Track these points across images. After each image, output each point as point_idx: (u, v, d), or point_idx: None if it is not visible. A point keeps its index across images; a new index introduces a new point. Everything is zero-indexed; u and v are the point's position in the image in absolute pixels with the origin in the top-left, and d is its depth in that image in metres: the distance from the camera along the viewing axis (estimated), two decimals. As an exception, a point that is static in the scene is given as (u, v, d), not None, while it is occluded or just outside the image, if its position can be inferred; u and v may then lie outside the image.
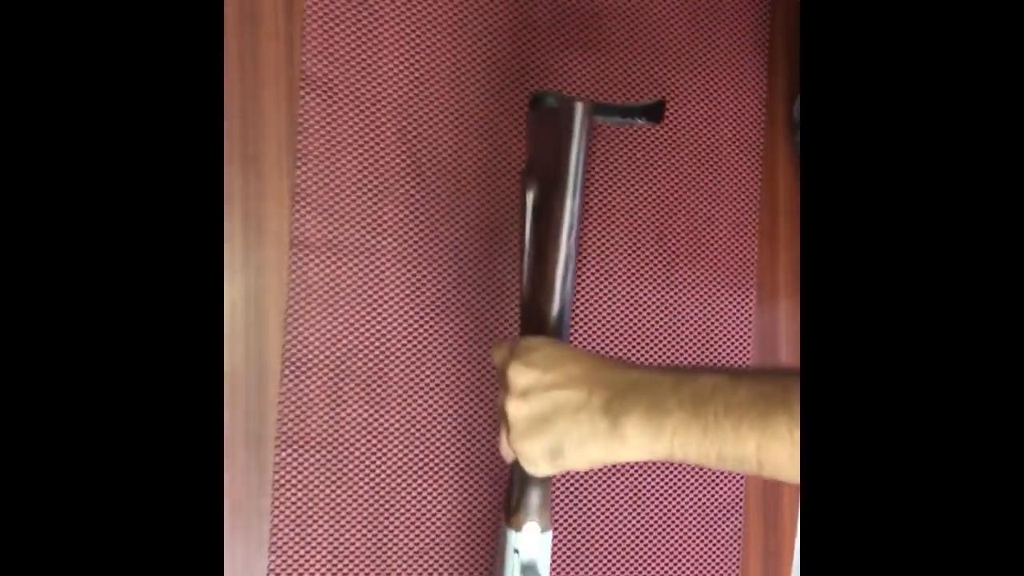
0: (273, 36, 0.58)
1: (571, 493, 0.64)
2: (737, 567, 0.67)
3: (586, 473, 0.64)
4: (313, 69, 0.58)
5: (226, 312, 0.56)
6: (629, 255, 0.66)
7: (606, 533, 0.64)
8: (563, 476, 0.63)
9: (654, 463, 0.66)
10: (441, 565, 0.60)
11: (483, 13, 0.62)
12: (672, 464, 0.66)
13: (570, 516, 0.64)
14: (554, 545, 0.63)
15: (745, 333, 0.69)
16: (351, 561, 0.58)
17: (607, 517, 0.64)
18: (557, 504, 0.63)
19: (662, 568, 0.65)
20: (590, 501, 0.64)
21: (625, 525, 0.65)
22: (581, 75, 0.64)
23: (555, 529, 0.63)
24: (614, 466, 0.65)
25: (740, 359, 0.68)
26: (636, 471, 0.65)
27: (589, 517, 0.64)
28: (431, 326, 0.60)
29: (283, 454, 0.57)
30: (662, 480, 0.66)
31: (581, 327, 0.64)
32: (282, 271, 0.58)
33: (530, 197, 0.51)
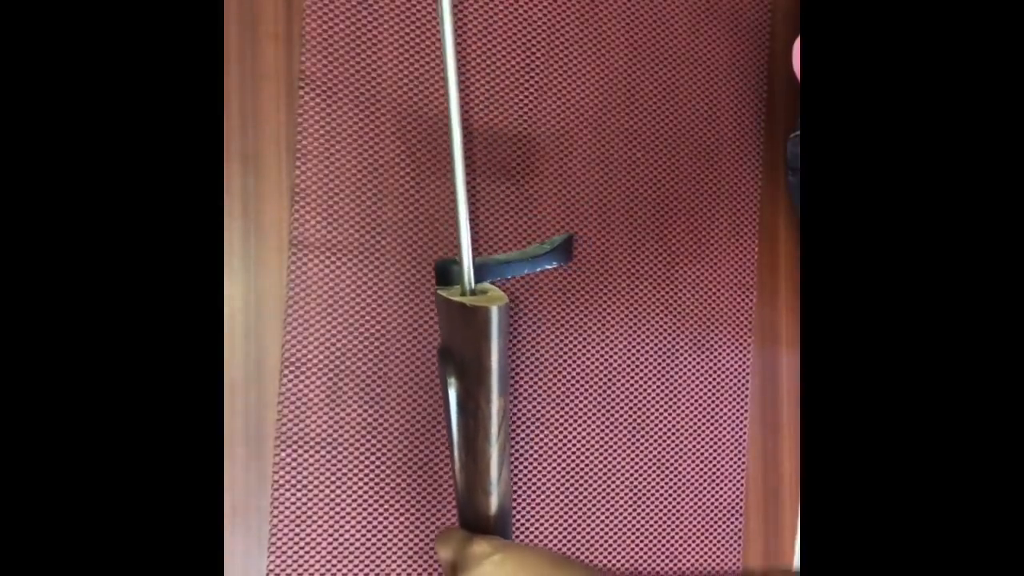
0: (272, 36, 0.58)
1: (571, 492, 0.64)
2: (737, 567, 0.67)
3: (585, 472, 0.64)
4: (312, 68, 0.58)
5: (226, 312, 0.56)
6: (629, 255, 0.66)
7: (606, 533, 0.64)
8: (562, 475, 0.63)
9: (654, 463, 0.66)
10: (440, 565, 0.60)
11: (482, 13, 0.62)
12: (672, 464, 0.66)
13: (570, 516, 0.64)
14: (554, 545, 0.63)
15: (745, 333, 0.69)
16: (350, 560, 0.58)
17: (607, 517, 0.64)
18: (557, 503, 0.63)
19: (662, 568, 0.65)
20: (590, 501, 0.64)
21: (625, 525, 0.65)
22: (581, 74, 0.64)
23: (555, 529, 0.63)
24: (614, 465, 0.65)
25: (740, 359, 0.68)
26: (636, 470, 0.65)
27: (589, 517, 0.64)
28: (431, 326, 0.60)
29: (282, 454, 0.57)
30: (662, 480, 0.66)
31: (581, 327, 0.64)
32: (282, 271, 0.58)
33: (452, 390, 0.48)
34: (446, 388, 0.48)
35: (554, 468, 0.63)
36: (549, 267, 0.52)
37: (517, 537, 0.62)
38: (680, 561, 0.66)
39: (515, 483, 0.62)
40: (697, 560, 0.66)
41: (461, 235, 0.47)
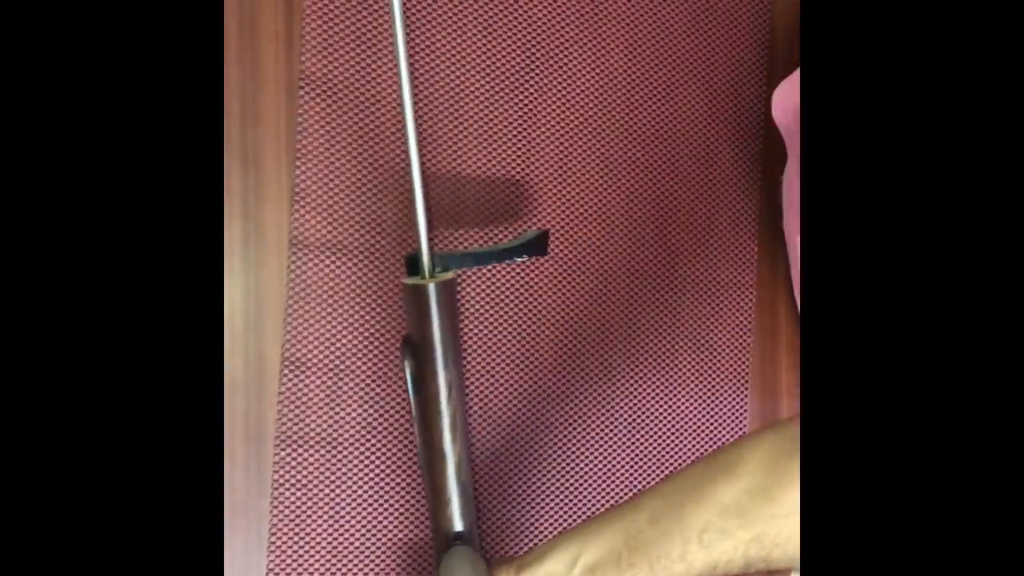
0: (273, 36, 0.58)
1: (570, 492, 0.64)
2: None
3: (585, 472, 0.64)
4: (312, 69, 0.58)
5: (226, 312, 0.56)
6: (629, 255, 0.66)
7: (606, 533, 0.64)
8: (561, 475, 0.63)
9: (654, 463, 0.66)
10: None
11: (483, 13, 0.62)
12: (672, 464, 0.66)
13: (570, 515, 0.64)
14: (554, 545, 0.63)
15: (745, 333, 0.69)
16: (350, 560, 0.58)
17: (607, 517, 0.64)
18: (557, 503, 0.63)
19: (662, 568, 0.65)
20: (590, 501, 0.64)
21: (625, 525, 0.65)
22: (581, 75, 0.64)
23: (555, 529, 0.63)
24: (614, 465, 0.65)
25: (740, 359, 0.68)
26: (635, 470, 0.65)
27: (587, 516, 0.64)
28: (431, 326, 0.60)
29: (282, 453, 0.57)
30: (661, 478, 0.66)
31: (581, 328, 0.64)
32: (282, 271, 0.58)
33: (408, 371, 0.53)
34: (405, 372, 0.53)
35: (554, 468, 0.63)
36: (519, 259, 0.56)
37: (517, 539, 0.62)
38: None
39: (515, 483, 0.62)
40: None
41: (419, 222, 0.51)
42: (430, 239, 0.55)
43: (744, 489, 0.40)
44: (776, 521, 0.39)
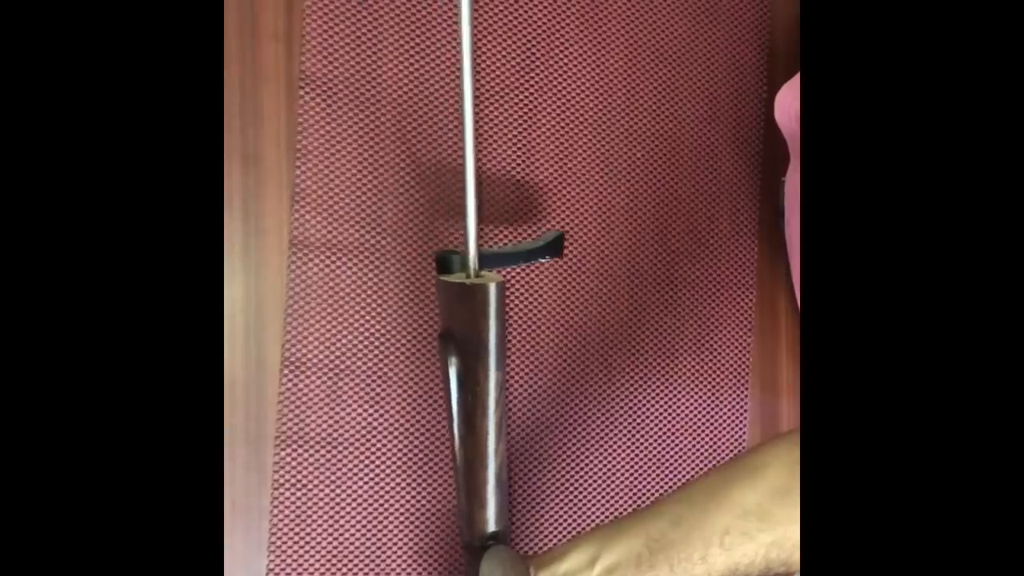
0: (273, 36, 0.58)
1: (570, 491, 0.64)
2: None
3: (585, 472, 0.64)
4: (313, 69, 0.58)
5: (226, 312, 0.56)
6: (629, 255, 0.66)
7: (606, 533, 0.64)
8: (561, 474, 0.63)
9: (654, 463, 0.66)
10: (439, 565, 0.60)
11: (483, 13, 0.62)
12: (671, 462, 0.66)
13: (569, 515, 0.64)
14: (554, 544, 0.63)
15: (745, 333, 0.69)
16: (350, 560, 0.58)
17: (607, 517, 0.64)
18: (557, 503, 0.63)
19: (662, 568, 0.65)
20: (589, 500, 0.64)
21: (625, 525, 0.65)
22: (581, 75, 0.64)
23: (555, 529, 0.63)
24: (614, 465, 0.65)
25: (740, 359, 0.68)
26: (635, 469, 0.65)
27: (589, 517, 0.64)
28: (430, 326, 0.60)
29: (282, 453, 0.57)
30: (662, 478, 0.66)
31: (581, 327, 0.64)
32: (282, 271, 0.58)
33: (453, 368, 0.51)
34: (447, 369, 0.51)
35: (554, 468, 0.63)
36: (542, 261, 0.57)
37: (518, 538, 0.62)
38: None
39: (515, 483, 0.62)
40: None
41: (469, 225, 0.51)
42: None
43: (766, 493, 0.41)
44: (796, 525, 0.39)
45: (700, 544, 0.42)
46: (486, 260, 0.54)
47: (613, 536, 0.46)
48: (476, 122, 0.62)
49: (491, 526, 0.52)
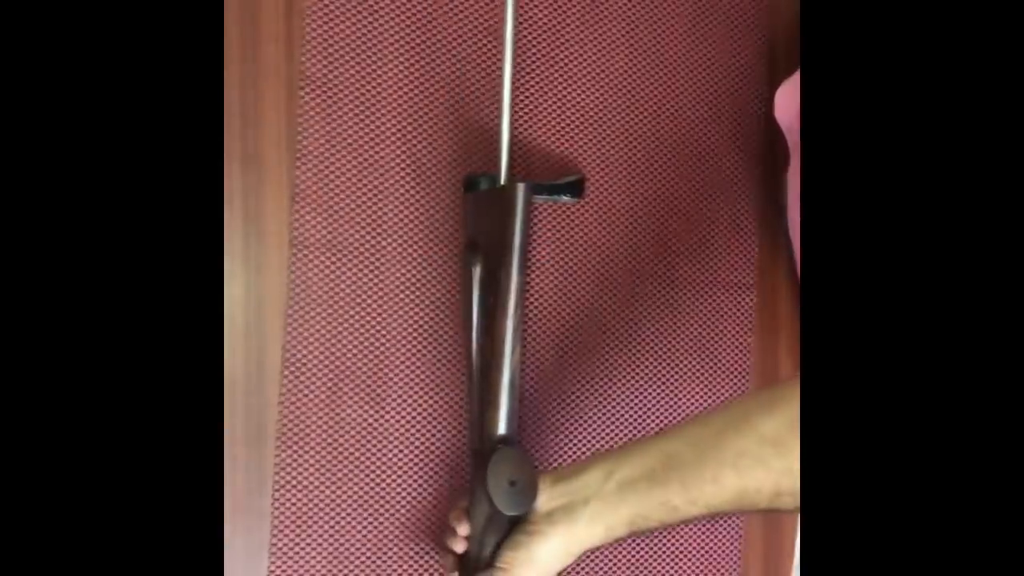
0: (273, 36, 0.58)
1: (571, 493, 0.64)
2: (737, 567, 0.67)
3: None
4: (313, 69, 0.58)
5: (226, 312, 0.56)
6: (629, 255, 0.66)
7: (606, 533, 0.64)
8: (563, 476, 0.63)
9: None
10: (440, 565, 0.60)
11: (482, 13, 0.62)
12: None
13: (570, 516, 0.64)
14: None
15: (745, 333, 0.69)
16: (351, 561, 0.58)
17: (607, 517, 0.64)
18: (557, 504, 0.63)
19: (662, 568, 0.65)
20: (590, 501, 0.64)
21: (625, 525, 0.65)
22: (581, 75, 0.64)
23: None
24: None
25: (740, 359, 0.68)
26: (636, 471, 0.65)
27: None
28: (431, 326, 0.60)
29: (283, 454, 0.57)
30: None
31: (581, 328, 0.64)
32: (282, 271, 0.58)
33: (476, 273, 0.55)
34: (468, 278, 0.55)
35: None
36: (563, 199, 0.63)
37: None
38: (680, 560, 0.66)
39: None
40: (696, 559, 0.66)
41: (503, 145, 0.56)
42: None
43: (784, 422, 0.42)
44: None
45: (713, 464, 0.43)
46: (491, 185, 0.57)
47: (629, 453, 0.47)
48: (475, 122, 0.62)
49: (501, 428, 0.53)
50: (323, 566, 0.58)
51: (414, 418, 0.60)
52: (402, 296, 0.60)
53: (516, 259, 0.53)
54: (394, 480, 0.59)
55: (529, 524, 0.48)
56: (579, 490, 0.47)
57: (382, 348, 0.59)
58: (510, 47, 0.54)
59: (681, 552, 0.66)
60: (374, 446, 0.59)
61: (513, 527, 0.48)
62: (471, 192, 0.57)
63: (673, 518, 0.45)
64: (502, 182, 0.56)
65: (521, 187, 0.54)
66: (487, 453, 0.51)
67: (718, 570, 0.67)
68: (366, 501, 0.59)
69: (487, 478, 0.49)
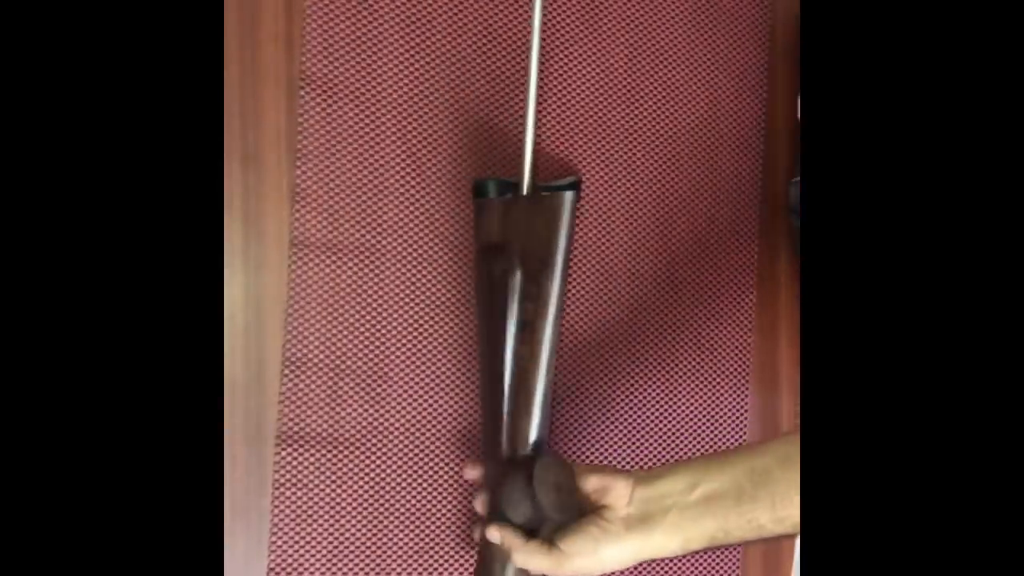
0: (273, 36, 0.58)
1: (571, 493, 0.64)
2: (737, 567, 0.67)
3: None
4: (313, 69, 0.58)
5: (226, 311, 0.56)
6: (629, 255, 0.66)
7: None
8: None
9: (654, 463, 0.66)
10: (441, 565, 0.60)
11: (483, 13, 0.62)
12: (671, 462, 0.66)
13: (570, 516, 0.64)
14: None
15: (745, 333, 0.69)
16: (351, 560, 0.58)
17: (607, 517, 0.64)
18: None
19: (662, 568, 0.65)
20: (590, 501, 0.64)
21: (625, 525, 0.65)
22: (581, 75, 0.65)
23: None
24: (613, 463, 0.65)
25: (740, 359, 0.68)
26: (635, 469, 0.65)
27: (589, 517, 0.64)
28: (431, 326, 0.60)
29: (283, 453, 0.57)
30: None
31: (581, 328, 0.64)
32: (282, 271, 0.58)
33: (515, 280, 0.54)
34: (489, 283, 0.54)
35: (554, 468, 0.63)
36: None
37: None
38: (679, 564, 0.66)
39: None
40: (696, 559, 0.66)
41: (526, 152, 0.56)
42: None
43: None
44: None
45: None
46: (504, 190, 0.57)
47: (714, 466, 0.46)
48: (476, 122, 0.62)
49: (534, 435, 0.53)
50: (323, 566, 0.58)
51: (414, 418, 0.60)
52: (402, 296, 0.60)
53: (560, 267, 0.53)
54: (394, 480, 0.59)
55: (604, 520, 0.47)
56: (660, 498, 0.46)
57: (382, 348, 0.59)
58: (535, 55, 0.54)
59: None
60: (374, 446, 0.59)
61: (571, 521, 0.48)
62: (499, 199, 0.56)
63: (755, 535, 0.44)
64: (525, 190, 0.56)
65: (569, 195, 0.53)
66: (523, 461, 0.51)
67: (718, 570, 0.67)
68: (366, 501, 0.59)
69: (535, 485, 0.48)
